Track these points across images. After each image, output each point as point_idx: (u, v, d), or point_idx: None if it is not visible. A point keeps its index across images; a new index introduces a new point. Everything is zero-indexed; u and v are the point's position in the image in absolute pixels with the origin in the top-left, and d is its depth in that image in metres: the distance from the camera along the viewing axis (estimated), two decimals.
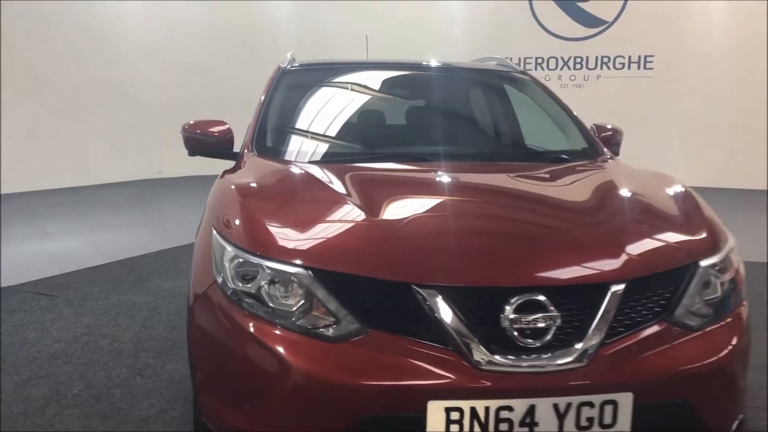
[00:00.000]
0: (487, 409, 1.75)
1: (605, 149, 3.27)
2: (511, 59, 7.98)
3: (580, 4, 7.55)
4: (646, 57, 7.40)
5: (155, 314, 4.51)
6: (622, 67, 7.53)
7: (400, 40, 8.15)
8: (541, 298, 1.81)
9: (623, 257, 1.97)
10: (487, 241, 2.14)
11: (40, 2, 6.22)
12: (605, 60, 7.58)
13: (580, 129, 3.37)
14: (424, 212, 2.33)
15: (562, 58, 7.77)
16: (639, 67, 7.44)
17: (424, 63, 3.97)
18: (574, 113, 3.45)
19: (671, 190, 2.57)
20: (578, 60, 7.70)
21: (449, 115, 3.78)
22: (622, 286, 1.87)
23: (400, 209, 2.31)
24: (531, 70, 7.85)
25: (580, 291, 1.87)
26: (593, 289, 1.87)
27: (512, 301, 1.80)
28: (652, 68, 7.40)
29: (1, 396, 3.32)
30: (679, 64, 7.33)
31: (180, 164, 6.76)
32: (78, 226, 6.86)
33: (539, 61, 7.86)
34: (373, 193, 2.41)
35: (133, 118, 6.44)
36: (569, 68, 7.75)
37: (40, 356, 3.81)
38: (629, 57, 7.48)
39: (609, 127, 3.46)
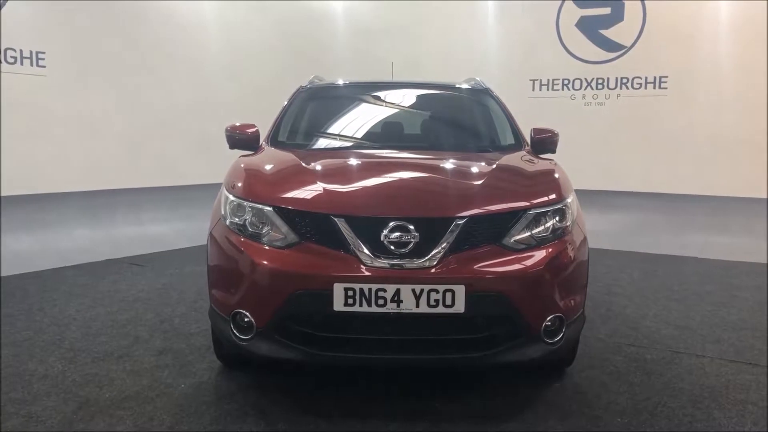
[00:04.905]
0: (369, 289, 2.81)
1: (527, 143, 4.20)
2: (540, 80, 8.87)
3: (602, 32, 8.20)
4: (660, 78, 7.93)
5: None
6: (640, 87, 8.06)
7: (444, 65, 9.15)
8: (407, 225, 2.86)
9: (467, 203, 3.01)
10: (383, 190, 3.21)
11: (142, 37, 7.54)
12: (624, 81, 8.14)
13: (512, 129, 4.33)
14: (352, 174, 3.45)
15: (586, 80, 8.39)
16: (654, 87, 7.95)
17: (408, 81, 5.01)
18: (513, 118, 4.40)
19: (540, 168, 3.54)
20: (600, 81, 8.29)
21: (417, 118, 4.82)
22: (463, 221, 2.90)
23: (337, 173, 3.46)
24: (558, 90, 8.57)
25: (435, 222, 2.91)
26: (444, 220, 2.91)
27: (389, 225, 2.86)
28: (666, 88, 7.90)
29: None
30: (691, 84, 7.84)
31: None
32: (168, 217, 7.98)
33: (566, 82, 8.48)
34: (325, 164, 3.54)
35: (216, 132, 7.50)
36: (592, 88, 8.33)
37: (126, 299, 5.16)
38: (645, 78, 8.02)
39: (547, 129, 4.27)
